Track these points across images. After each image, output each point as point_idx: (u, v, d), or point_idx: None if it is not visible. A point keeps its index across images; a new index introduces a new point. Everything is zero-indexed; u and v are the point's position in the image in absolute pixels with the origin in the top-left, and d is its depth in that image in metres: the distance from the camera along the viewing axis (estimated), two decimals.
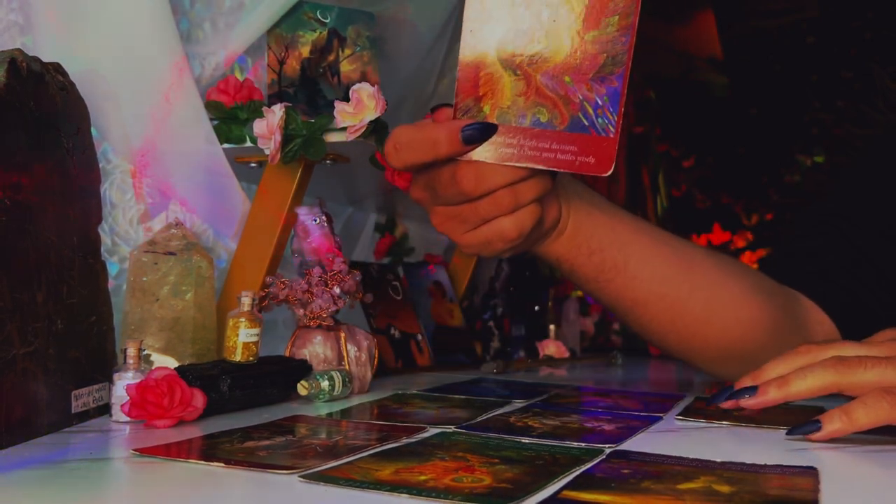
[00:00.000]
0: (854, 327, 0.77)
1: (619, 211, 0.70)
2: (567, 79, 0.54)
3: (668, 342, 0.73)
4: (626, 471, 0.46)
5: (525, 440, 0.54)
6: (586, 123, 0.54)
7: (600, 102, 0.54)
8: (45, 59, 0.59)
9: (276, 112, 0.74)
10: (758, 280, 0.76)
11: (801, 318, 0.77)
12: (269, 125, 0.74)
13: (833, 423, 0.54)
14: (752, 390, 0.59)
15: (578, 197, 0.68)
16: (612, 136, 0.54)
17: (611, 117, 0.54)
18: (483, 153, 0.56)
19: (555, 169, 0.56)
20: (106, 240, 0.77)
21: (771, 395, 0.58)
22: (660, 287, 0.69)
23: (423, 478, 0.43)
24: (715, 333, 0.71)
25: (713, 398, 0.63)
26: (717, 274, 0.72)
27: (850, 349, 0.59)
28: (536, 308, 1.33)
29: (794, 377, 0.57)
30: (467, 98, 0.55)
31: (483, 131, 0.55)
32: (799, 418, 0.58)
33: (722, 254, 0.77)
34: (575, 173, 0.58)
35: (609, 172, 0.55)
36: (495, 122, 0.55)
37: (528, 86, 0.55)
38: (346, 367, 0.74)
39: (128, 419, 0.58)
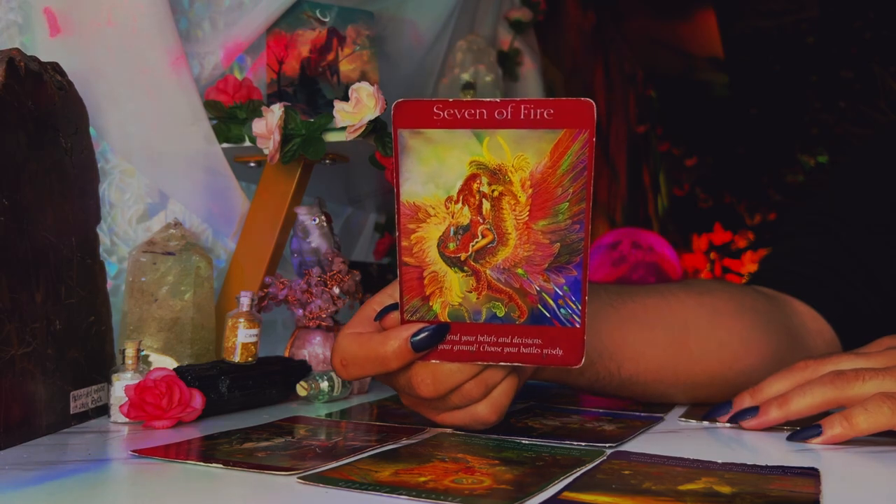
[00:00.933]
0: (853, 333, 0.77)
1: (605, 309, 0.66)
2: (520, 271, 0.50)
3: (671, 402, 0.72)
4: (626, 472, 0.46)
5: (525, 441, 0.54)
6: (548, 315, 0.50)
7: (560, 292, 0.50)
8: (44, 58, 0.59)
9: (275, 111, 0.74)
10: (757, 317, 0.73)
11: (799, 332, 0.76)
12: (268, 125, 0.74)
13: (834, 428, 0.54)
14: (754, 411, 0.59)
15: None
16: (577, 325, 0.50)
17: (574, 307, 0.50)
18: (439, 353, 0.51)
19: (520, 364, 0.51)
20: (105, 240, 0.77)
21: (772, 416, 0.59)
22: (655, 373, 0.67)
23: (422, 479, 0.43)
24: (718, 386, 0.70)
25: (712, 413, 0.63)
26: (712, 337, 0.70)
27: (847, 362, 0.59)
28: None
29: (794, 395, 0.58)
30: (414, 299, 0.51)
31: (434, 335, 0.51)
32: (799, 421, 0.58)
33: (715, 292, 0.74)
34: (544, 366, 0.53)
35: (580, 364, 0.50)
36: (447, 320, 0.51)
37: (478, 281, 0.50)
38: None
39: (126, 420, 0.58)
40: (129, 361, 0.60)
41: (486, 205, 0.49)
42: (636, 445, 0.54)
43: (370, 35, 0.92)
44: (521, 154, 0.48)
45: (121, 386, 0.58)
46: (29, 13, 0.75)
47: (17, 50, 0.55)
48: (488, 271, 0.50)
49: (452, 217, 0.49)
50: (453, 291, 0.51)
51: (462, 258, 0.50)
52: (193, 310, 0.71)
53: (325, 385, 0.69)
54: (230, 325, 0.67)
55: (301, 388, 0.68)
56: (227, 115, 0.80)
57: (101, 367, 0.62)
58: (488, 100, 0.47)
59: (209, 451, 0.49)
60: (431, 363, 0.52)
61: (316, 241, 0.76)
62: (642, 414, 0.66)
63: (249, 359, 0.67)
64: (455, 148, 0.48)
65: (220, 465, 0.45)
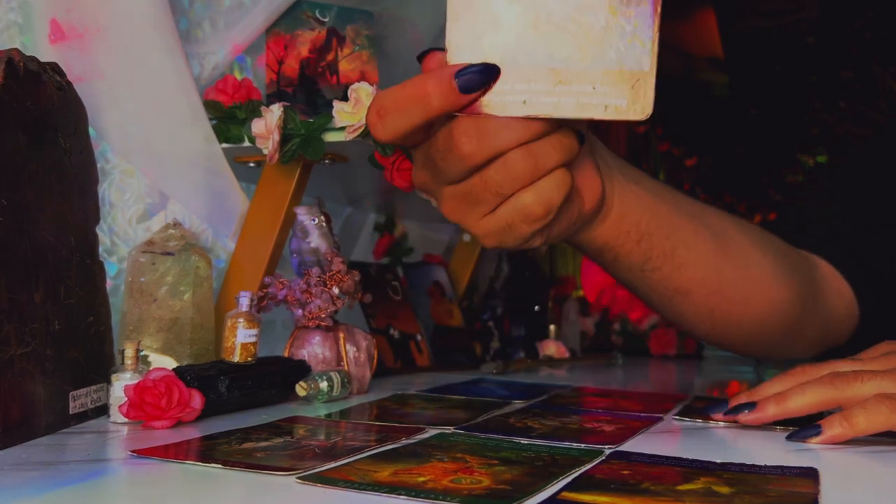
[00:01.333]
0: (873, 300, 0.76)
1: (659, 185, 0.62)
2: (587, 1, 0.43)
3: (702, 329, 0.68)
4: (625, 472, 0.46)
5: (524, 441, 0.54)
6: (614, 56, 0.43)
7: (629, 28, 0.43)
8: (43, 59, 0.59)
9: (275, 111, 0.74)
10: (784, 254, 0.71)
11: (821, 286, 0.74)
12: (267, 125, 0.74)
13: (833, 428, 0.54)
14: (751, 406, 0.59)
15: (620, 171, 0.58)
16: (646, 69, 0.43)
17: (643, 46, 0.43)
18: (485, 105, 0.45)
19: (579, 118, 0.45)
20: (105, 240, 0.77)
21: (770, 412, 0.58)
22: (702, 273, 0.64)
23: (421, 479, 0.43)
24: (750, 317, 0.68)
25: (707, 409, 0.63)
26: (752, 253, 0.67)
27: (845, 366, 0.59)
28: (536, 308, 1.32)
29: (792, 393, 0.58)
30: (461, 36, 0.44)
31: (483, 74, 0.44)
32: (798, 422, 0.58)
33: (746, 223, 0.71)
34: (604, 122, 0.45)
35: (648, 116, 0.44)
36: (497, 62, 0.44)
37: (537, 15, 0.43)
38: (345, 367, 0.74)
39: (126, 420, 0.58)
40: (128, 361, 0.60)
41: None
42: (635, 445, 0.54)
43: (370, 35, 0.92)
44: None
45: (120, 386, 0.58)
46: (29, 13, 0.75)
47: (17, 50, 0.55)
48: (551, 2, 0.43)
49: None
50: (509, 28, 0.44)
51: None
52: (193, 310, 0.71)
53: (324, 385, 0.69)
54: (229, 325, 0.67)
55: (300, 389, 0.68)
56: (227, 116, 0.80)
57: (101, 367, 0.62)
58: None
59: (208, 451, 0.49)
60: (475, 116, 0.45)
61: (315, 241, 0.76)
62: (642, 414, 0.66)
63: (249, 359, 0.67)
64: None
65: (220, 466, 0.45)
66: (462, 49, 0.44)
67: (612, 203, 0.58)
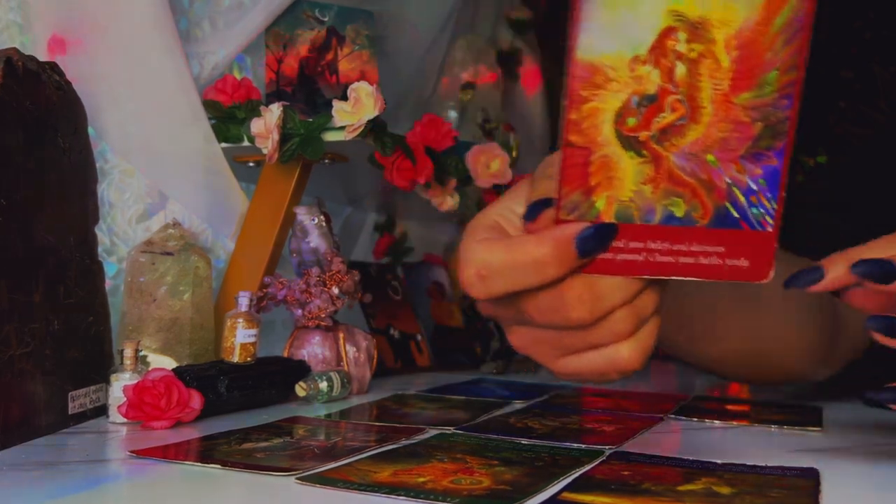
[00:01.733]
0: None
1: None
2: (711, 157, 0.40)
3: (738, 379, 0.70)
4: (626, 472, 0.45)
5: (525, 441, 0.54)
6: (736, 215, 0.41)
7: (754, 187, 0.41)
8: (42, 58, 0.59)
9: (274, 111, 0.74)
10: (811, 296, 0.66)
11: (837, 302, 0.73)
12: (266, 124, 0.74)
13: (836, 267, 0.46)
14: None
15: None
16: (769, 229, 0.41)
17: (768, 205, 0.41)
18: (600, 265, 0.42)
19: (697, 278, 0.42)
20: (104, 240, 0.77)
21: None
22: (740, 344, 0.64)
23: (421, 479, 0.42)
24: (786, 367, 0.68)
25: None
26: (786, 310, 0.65)
27: None
28: None
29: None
30: (574, 191, 0.41)
31: (604, 237, 0.41)
32: (795, 414, 0.57)
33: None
34: (725, 281, 0.42)
35: (769, 279, 0.41)
36: (613, 220, 0.41)
37: (657, 170, 0.41)
38: (345, 367, 0.74)
39: (125, 420, 0.58)
40: (127, 362, 0.60)
41: (681, 69, 0.39)
42: (635, 446, 0.54)
43: (369, 35, 0.92)
44: (730, 4, 0.38)
45: (119, 386, 0.58)
46: (29, 13, 0.75)
47: (15, 49, 0.55)
48: (672, 157, 0.41)
49: (637, 83, 0.40)
50: (624, 183, 0.41)
51: (642, 138, 0.40)
52: (192, 310, 0.71)
53: (324, 385, 0.69)
54: (229, 325, 0.67)
55: (300, 389, 0.68)
56: (226, 115, 0.80)
57: (100, 367, 0.62)
58: None
59: (208, 451, 0.49)
60: (589, 278, 0.42)
61: (315, 240, 0.76)
62: (642, 414, 0.66)
63: (248, 359, 0.67)
64: None
65: (219, 466, 0.45)
66: (576, 206, 0.41)
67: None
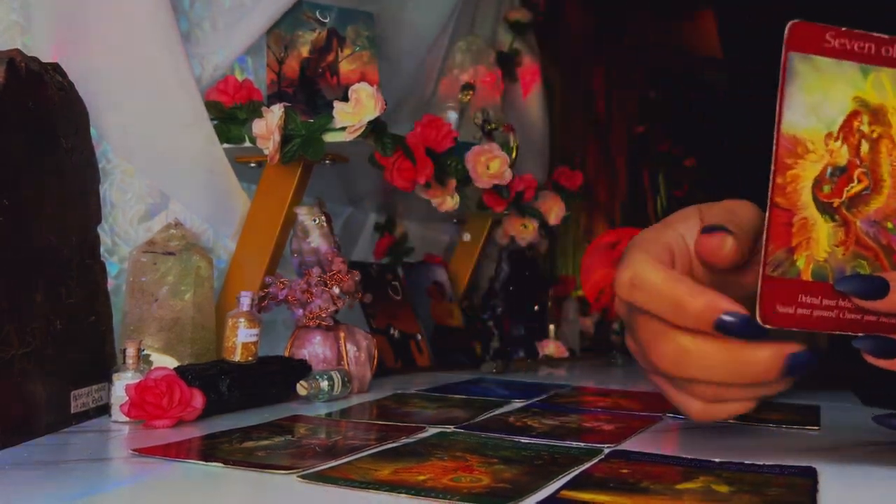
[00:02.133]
0: None
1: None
2: (890, 225, 0.46)
3: None
4: (625, 470, 0.46)
5: (524, 440, 0.54)
6: None
7: None
8: (44, 59, 0.59)
9: (275, 112, 0.74)
10: None
11: None
12: (268, 125, 0.74)
13: None
14: None
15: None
16: None
17: None
18: (796, 318, 0.46)
19: (878, 334, 0.46)
20: (106, 240, 0.77)
21: None
22: None
23: (421, 478, 0.43)
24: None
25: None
26: None
27: None
28: (536, 308, 1.32)
29: None
30: (779, 248, 0.45)
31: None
32: (793, 414, 0.57)
33: None
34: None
35: None
36: (809, 279, 0.45)
37: (846, 234, 0.46)
38: (346, 367, 0.74)
39: (127, 419, 0.58)
40: (129, 361, 0.60)
41: (865, 146, 0.46)
42: (634, 444, 0.54)
43: (370, 36, 0.92)
44: None
45: (121, 385, 0.59)
46: (31, 14, 0.75)
47: (18, 51, 0.55)
48: (858, 223, 0.46)
49: (830, 156, 0.46)
50: (821, 244, 0.46)
51: (835, 204, 0.46)
52: (194, 310, 0.71)
53: (324, 384, 0.69)
54: (230, 324, 0.67)
55: (301, 388, 0.68)
56: (228, 116, 0.81)
57: (102, 366, 0.62)
58: (877, 34, 0.45)
59: (209, 450, 0.49)
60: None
61: (316, 241, 0.76)
62: (641, 413, 0.66)
63: (250, 358, 0.67)
64: (840, 80, 0.46)
65: (221, 464, 0.46)
66: (780, 262, 0.45)
67: None
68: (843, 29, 0.45)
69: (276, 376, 0.68)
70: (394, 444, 0.51)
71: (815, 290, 0.45)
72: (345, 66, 0.90)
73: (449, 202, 0.90)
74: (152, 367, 0.60)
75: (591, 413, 0.67)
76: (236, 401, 0.64)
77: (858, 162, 0.46)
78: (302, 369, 0.71)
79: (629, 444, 0.54)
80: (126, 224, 0.79)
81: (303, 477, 0.43)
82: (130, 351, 0.60)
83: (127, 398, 0.57)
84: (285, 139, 0.75)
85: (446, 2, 1.20)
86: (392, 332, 1.02)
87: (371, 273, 1.06)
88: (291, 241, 0.80)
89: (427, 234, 1.31)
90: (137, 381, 0.58)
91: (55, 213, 0.58)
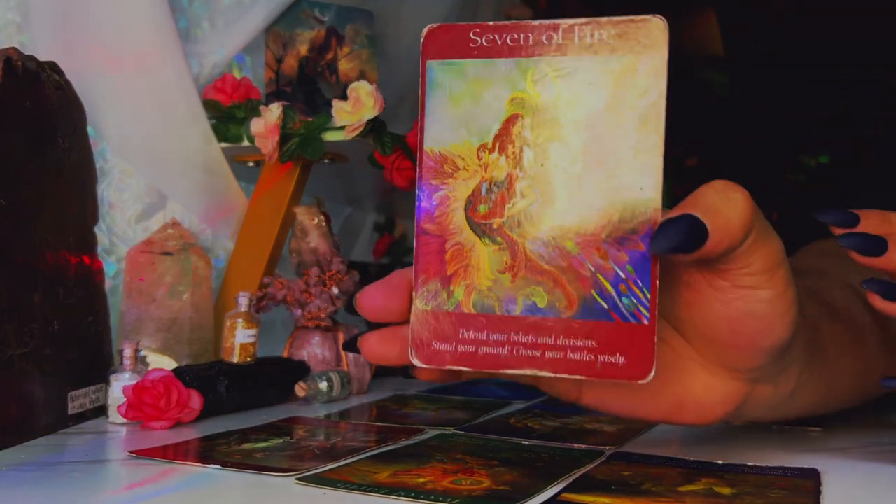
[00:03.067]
0: None
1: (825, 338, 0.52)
2: (569, 244, 0.38)
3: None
4: (626, 473, 0.45)
5: (525, 442, 0.54)
6: (605, 306, 0.38)
7: (622, 275, 0.37)
8: (42, 57, 0.59)
9: (274, 111, 0.74)
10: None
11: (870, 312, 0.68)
12: (266, 124, 0.74)
13: None
14: None
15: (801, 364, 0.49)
16: (645, 322, 0.37)
17: (640, 294, 0.37)
18: (459, 356, 0.40)
19: (567, 376, 0.38)
20: (104, 239, 0.77)
21: None
22: (835, 406, 0.58)
23: (421, 480, 0.42)
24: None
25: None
26: (873, 351, 0.60)
27: None
28: None
29: None
30: (431, 279, 0.40)
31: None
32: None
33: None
34: (600, 380, 0.38)
35: (648, 378, 0.37)
36: (472, 310, 0.39)
37: (513, 257, 0.39)
38: (345, 367, 0.74)
39: (124, 421, 0.58)
40: (127, 362, 0.60)
41: (528, 154, 0.39)
42: (636, 447, 0.54)
43: (369, 34, 0.92)
44: (575, 88, 0.38)
45: (119, 386, 0.58)
46: (28, 12, 0.75)
47: (14, 49, 0.55)
48: (527, 244, 0.39)
49: (485, 170, 0.39)
50: (482, 272, 0.39)
51: (495, 225, 0.39)
52: (192, 310, 0.71)
53: (323, 385, 0.68)
54: (229, 325, 0.67)
55: (300, 389, 0.68)
56: (226, 115, 0.80)
57: (100, 367, 0.62)
58: (538, 21, 0.38)
59: (207, 451, 0.49)
60: (428, 371, 0.43)
61: (315, 240, 0.76)
62: None
63: (248, 359, 0.67)
64: (493, 83, 0.39)
65: (219, 466, 0.45)
66: (434, 294, 0.40)
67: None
68: (492, 23, 0.39)
69: (274, 377, 0.68)
70: (393, 446, 0.51)
71: (479, 324, 0.39)
72: (344, 65, 0.90)
73: None
74: (150, 368, 0.60)
75: (592, 414, 0.66)
76: (234, 402, 0.63)
77: (521, 174, 0.39)
78: (301, 370, 0.71)
79: (631, 446, 0.53)
80: (124, 224, 0.79)
81: (301, 479, 0.42)
82: (128, 352, 0.60)
83: (124, 399, 0.57)
84: (284, 138, 0.75)
85: (446, 0, 1.19)
86: None
87: (371, 273, 1.05)
88: (290, 241, 0.80)
89: None
90: (135, 382, 0.57)
91: (52, 213, 0.57)
